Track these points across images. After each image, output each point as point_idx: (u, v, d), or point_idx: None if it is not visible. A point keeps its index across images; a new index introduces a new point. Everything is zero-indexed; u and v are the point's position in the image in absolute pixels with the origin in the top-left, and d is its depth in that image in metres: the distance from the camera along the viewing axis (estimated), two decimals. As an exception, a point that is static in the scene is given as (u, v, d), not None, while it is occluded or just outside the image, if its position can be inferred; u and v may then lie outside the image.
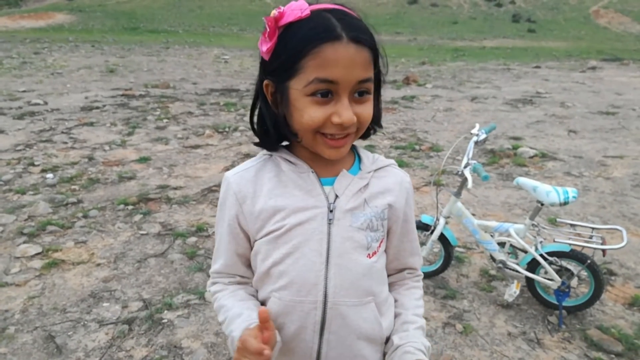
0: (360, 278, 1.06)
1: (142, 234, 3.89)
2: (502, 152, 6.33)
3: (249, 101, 9.31)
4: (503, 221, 3.27)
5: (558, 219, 3.23)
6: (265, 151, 1.12)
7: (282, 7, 0.94)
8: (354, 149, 1.15)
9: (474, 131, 3.01)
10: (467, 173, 2.74)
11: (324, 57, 0.90)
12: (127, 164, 5.51)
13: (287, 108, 0.98)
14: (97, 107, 8.24)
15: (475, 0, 55.63)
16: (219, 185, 4.88)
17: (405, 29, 40.70)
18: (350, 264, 1.05)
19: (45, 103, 8.54)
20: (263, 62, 1.01)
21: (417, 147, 6.53)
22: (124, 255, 3.56)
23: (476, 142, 2.96)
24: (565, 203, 2.74)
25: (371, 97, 0.99)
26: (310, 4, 0.95)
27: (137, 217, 4.16)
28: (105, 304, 2.98)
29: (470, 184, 2.70)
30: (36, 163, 5.42)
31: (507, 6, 53.70)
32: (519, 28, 44.67)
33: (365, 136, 1.10)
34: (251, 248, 1.11)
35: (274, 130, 1.04)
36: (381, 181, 1.11)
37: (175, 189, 4.85)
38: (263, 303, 1.13)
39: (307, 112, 0.94)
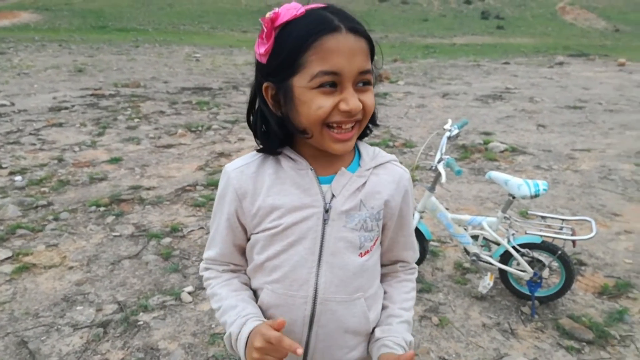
0: (350, 276, 1.09)
1: (115, 236, 3.83)
2: (474, 147, 6.43)
3: (221, 99, 9.33)
4: (476, 215, 3.32)
5: (529, 212, 3.30)
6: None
7: (277, 9, 0.96)
8: (355, 144, 1.15)
9: (447, 127, 3.05)
10: (441, 168, 2.78)
11: (326, 48, 0.92)
12: (98, 165, 5.42)
13: (291, 106, 0.99)
14: (66, 108, 8.07)
15: (445, -2, 56.18)
16: (192, 185, 4.85)
17: (377, 26, 40.90)
18: (341, 262, 1.08)
19: (12, 104, 8.33)
20: (260, 65, 1.02)
21: (390, 143, 6.58)
22: (97, 258, 3.50)
23: (449, 138, 3.00)
24: (536, 195, 2.80)
25: (372, 88, 1.01)
26: (303, 5, 0.98)
27: (110, 219, 4.09)
28: (79, 308, 2.93)
29: (444, 178, 2.73)
30: (4, 165, 5.29)
31: (476, 3, 54.42)
32: (488, 25, 45.30)
33: (362, 136, 1.12)
34: (247, 240, 1.15)
35: (280, 131, 1.04)
36: (379, 179, 1.12)
37: (148, 189, 4.79)
38: (256, 292, 1.16)
39: (316, 103, 0.95)
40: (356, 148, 1.15)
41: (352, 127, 1.00)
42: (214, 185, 4.88)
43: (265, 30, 0.96)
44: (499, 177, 2.97)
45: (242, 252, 1.18)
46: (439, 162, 2.84)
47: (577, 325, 2.83)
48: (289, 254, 1.07)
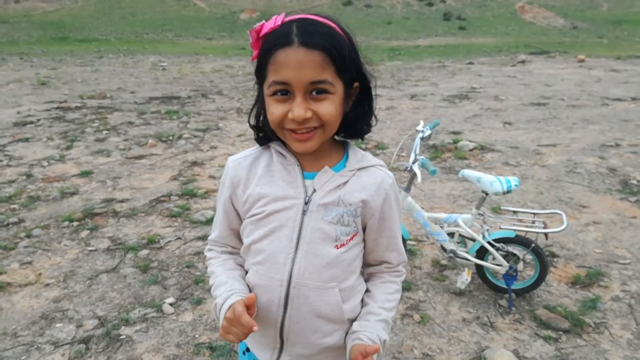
0: (324, 265, 1.17)
1: (90, 250, 3.78)
2: (444, 147, 6.55)
3: (190, 108, 9.27)
4: (450, 212, 3.39)
5: (502, 207, 3.39)
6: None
7: (264, 21, 1.08)
8: (345, 146, 1.25)
9: (419, 128, 3.11)
10: (416, 168, 2.84)
11: (277, 61, 1.04)
12: (68, 179, 5.32)
13: (264, 108, 1.16)
14: (31, 122, 7.88)
15: (408, 0, 56.97)
16: (167, 196, 4.82)
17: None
18: (316, 251, 1.17)
19: (-26, 120, 8.10)
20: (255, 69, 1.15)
21: (363, 146, 6.64)
22: (74, 274, 3.45)
23: (422, 139, 3.06)
24: (509, 191, 2.89)
25: (332, 96, 1.08)
26: (290, 15, 1.08)
27: (84, 233, 4.03)
28: (58, 325, 2.88)
29: (419, 179, 2.79)
30: (-31, 184, 5.15)
31: (438, 5, 55.27)
32: (450, 26, 46.06)
33: (357, 135, 1.22)
34: (241, 223, 1.27)
35: (257, 127, 1.23)
36: (361, 180, 1.20)
37: (122, 201, 4.73)
38: (247, 273, 1.28)
39: (270, 110, 1.10)
40: (346, 150, 1.25)
41: (310, 131, 1.09)
42: (188, 195, 4.86)
43: (252, 40, 1.09)
44: (471, 175, 3.04)
45: (238, 236, 1.30)
46: (413, 162, 2.90)
47: (553, 315, 2.92)
48: (270, 239, 1.19)
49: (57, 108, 8.95)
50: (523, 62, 17.60)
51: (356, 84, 1.15)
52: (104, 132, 7.39)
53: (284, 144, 1.21)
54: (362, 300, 1.28)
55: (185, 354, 2.66)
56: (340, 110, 1.12)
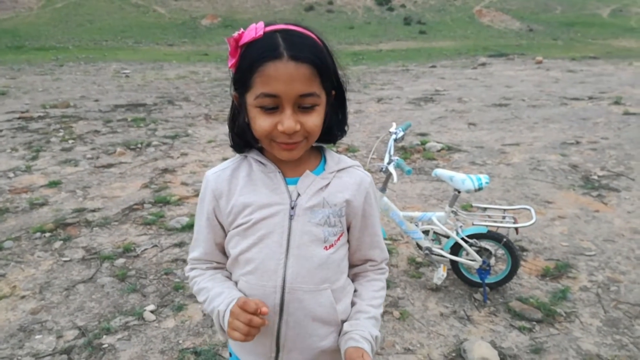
0: (316, 267, 1.20)
1: (65, 261, 3.72)
2: (413, 148, 6.69)
3: (157, 115, 9.18)
4: (423, 211, 3.49)
5: (473, 204, 3.51)
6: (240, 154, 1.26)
7: (242, 29, 1.08)
8: (321, 150, 1.28)
9: (392, 130, 3.19)
10: (392, 169, 2.91)
11: (267, 74, 1.04)
12: (36, 190, 5.22)
13: (246, 117, 1.15)
14: (-7, 133, 7.68)
15: (369, 5, 57.56)
16: (140, 204, 4.78)
17: (305, 35, 41.25)
18: (307, 254, 1.19)
19: None
20: (232, 75, 1.14)
21: (334, 149, 6.72)
22: (50, 285, 3.40)
23: (395, 140, 3.15)
24: (480, 189, 3.00)
25: (318, 108, 1.11)
26: (270, 24, 1.09)
27: (57, 244, 3.97)
28: (37, 337, 2.84)
29: (395, 179, 2.87)
30: None
31: (399, 10, 56.03)
32: (411, 30, 46.77)
33: (332, 140, 1.24)
34: (226, 236, 1.26)
35: (238, 136, 1.22)
36: (341, 181, 1.23)
37: (94, 211, 4.66)
38: (236, 285, 1.26)
39: (257, 122, 1.10)
40: (322, 154, 1.27)
41: (295, 142, 1.11)
42: (162, 202, 4.83)
43: (230, 48, 1.09)
44: (444, 174, 3.14)
45: (223, 250, 1.29)
46: (389, 163, 2.98)
47: (526, 306, 3.05)
48: (259, 247, 1.19)
49: (19, 118, 8.72)
50: (484, 64, 18.05)
51: (333, 92, 1.17)
52: (70, 141, 7.25)
53: (261, 152, 1.23)
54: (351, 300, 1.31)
55: (169, 359, 2.66)
56: (323, 120, 1.14)
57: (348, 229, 1.27)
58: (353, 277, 1.35)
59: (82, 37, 39.63)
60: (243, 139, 1.21)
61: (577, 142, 6.84)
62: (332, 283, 1.22)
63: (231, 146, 1.25)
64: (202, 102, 10.82)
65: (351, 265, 1.33)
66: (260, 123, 1.09)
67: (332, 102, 1.18)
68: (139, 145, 6.98)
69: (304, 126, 1.09)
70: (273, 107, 1.07)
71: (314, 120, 1.10)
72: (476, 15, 54.07)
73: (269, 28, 1.08)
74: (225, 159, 6.05)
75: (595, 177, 5.38)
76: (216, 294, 1.21)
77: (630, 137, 7.08)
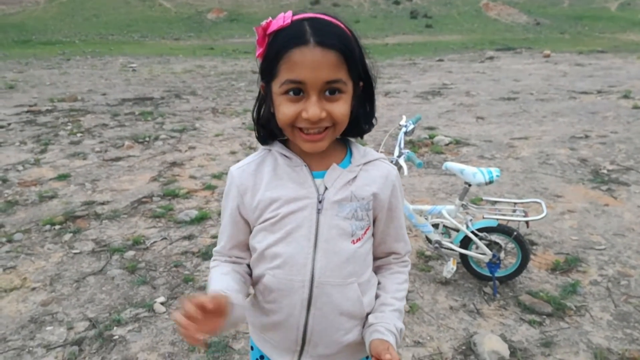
0: (344, 261, 1.18)
1: (75, 253, 3.74)
2: (421, 142, 6.67)
3: (165, 109, 9.21)
4: (432, 204, 3.48)
5: (484, 197, 3.49)
6: (265, 146, 1.24)
7: (270, 18, 1.07)
8: (347, 143, 1.25)
9: (402, 123, 3.18)
10: (402, 162, 2.90)
11: (293, 60, 1.02)
12: (45, 183, 5.24)
13: (272, 107, 1.13)
14: (2, 127, 7.71)
15: (375, -1, 57.33)
16: (149, 197, 4.79)
17: (311, 29, 41.18)
18: (335, 248, 1.17)
19: (-60, 126, 7.88)
20: (260, 65, 1.12)
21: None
22: (60, 277, 3.42)
23: (405, 133, 3.14)
24: (490, 182, 2.98)
25: (345, 96, 1.09)
26: (298, 13, 1.07)
27: (67, 237, 3.99)
28: (48, 328, 2.86)
29: (405, 172, 2.85)
30: (-58, 190, 5.02)
31: (405, 4, 55.82)
32: (417, 24, 46.61)
33: (359, 133, 1.23)
34: (250, 232, 1.25)
35: (263, 127, 1.19)
36: (369, 174, 1.22)
37: (103, 204, 4.68)
38: (258, 280, 1.25)
39: (282, 109, 1.08)
40: (348, 147, 1.25)
41: (322, 131, 1.09)
42: (170, 195, 4.84)
43: (258, 37, 1.08)
44: (454, 167, 3.13)
45: (245, 245, 1.28)
46: (399, 156, 2.97)
47: (536, 300, 3.04)
48: (287, 242, 1.17)
49: (27, 112, 8.77)
50: (491, 58, 17.97)
51: (361, 83, 1.15)
52: (78, 134, 7.28)
53: (286, 145, 1.21)
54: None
55: (180, 351, 2.67)
56: (350, 110, 1.12)
57: (374, 222, 1.26)
58: (376, 270, 1.34)
59: (88, 31, 39.75)
60: (268, 130, 1.19)
61: (586, 136, 6.80)
62: (358, 277, 1.21)
63: (257, 137, 1.23)
64: (209, 95, 10.83)
65: (375, 258, 1.32)
66: (284, 110, 1.07)
67: (359, 93, 1.15)
68: (147, 139, 7.00)
69: (331, 114, 1.07)
70: (297, 95, 1.05)
71: (340, 108, 1.08)
72: (483, 9, 53.78)
73: (297, 17, 1.06)
74: (232, 153, 6.05)
75: (605, 171, 5.35)
76: (209, 285, 1.22)
77: (639, 130, 7.02)
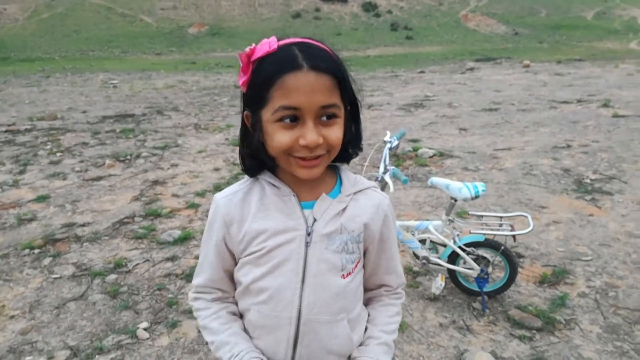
0: (333, 297, 1.14)
1: (55, 278, 3.64)
2: (405, 155, 6.67)
3: (146, 125, 9.10)
4: (417, 219, 3.46)
5: (470, 212, 3.48)
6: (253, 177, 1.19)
7: (254, 44, 1.03)
8: (337, 170, 1.21)
9: (387, 139, 3.16)
10: (388, 178, 2.87)
11: (287, 86, 0.98)
12: (24, 205, 5.12)
13: (261, 135, 1.07)
14: (-22, 147, 7.56)
15: (356, 12, 57.84)
16: (130, 217, 4.70)
17: (293, 42, 41.34)
18: (324, 283, 1.13)
19: None
20: (242, 94, 1.08)
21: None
22: (40, 303, 3.32)
23: (390, 149, 3.11)
24: (476, 197, 2.96)
25: (339, 120, 1.05)
26: (282, 39, 1.03)
27: (47, 261, 3.88)
28: (28, 358, 2.76)
29: (391, 188, 2.82)
30: None
31: (385, 16, 56.37)
32: (398, 36, 47.08)
33: (347, 159, 1.18)
34: (236, 264, 1.20)
35: (251, 157, 1.13)
36: (359, 204, 1.17)
37: (83, 225, 4.58)
38: (243, 314, 1.21)
39: (277, 137, 1.02)
40: (338, 175, 1.21)
41: (317, 157, 1.05)
42: (153, 215, 4.76)
43: (241, 64, 1.04)
44: (440, 182, 3.11)
45: (231, 277, 1.22)
46: (384, 173, 2.94)
47: (525, 314, 3.01)
48: (274, 276, 1.12)
49: (5, 131, 8.62)
50: (472, 69, 18.16)
51: (348, 107, 1.12)
52: (58, 154, 7.16)
53: (272, 173, 1.17)
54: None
55: (165, 379, 2.60)
56: (343, 134, 1.09)
57: (364, 254, 1.21)
58: (367, 302, 1.29)
59: (68, 47, 39.46)
60: (258, 161, 1.13)
61: (568, 146, 6.86)
62: (348, 313, 1.17)
63: (243, 170, 1.18)
64: (191, 111, 10.75)
65: (366, 290, 1.28)
66: (280, 138, 1.02)
67: (349, 117, 1.13)
68: (128, 157, 6.90)
69: (327, 139, 1.03)
70: (293, 121, 1.01)
71: (336, 133, 1.04)
72: (462, 20, 54.52)
73: (283, 42, 1.03)
74: (216, 169, 5.98)
75: (588, 181, 5.39)
76: (222, 342, 1.16)
77: (620, 139, 7.11)
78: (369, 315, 1.26)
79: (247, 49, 1.03)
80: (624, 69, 16.53)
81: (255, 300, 1.15)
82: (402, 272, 1.30)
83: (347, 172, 1.22)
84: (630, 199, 4.85)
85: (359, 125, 1.18)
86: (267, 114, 1.02)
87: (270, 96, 1.00)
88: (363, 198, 1.19)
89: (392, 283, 1.28)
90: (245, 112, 1.09)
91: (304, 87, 0.98)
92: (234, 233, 1.15)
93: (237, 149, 1.21)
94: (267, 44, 1.02)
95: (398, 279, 1.28)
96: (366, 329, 1.24)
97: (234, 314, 1.23)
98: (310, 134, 1.00)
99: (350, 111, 1.12)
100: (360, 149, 1.19)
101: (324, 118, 1.02)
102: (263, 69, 1.01)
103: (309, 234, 1.12)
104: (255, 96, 1.03)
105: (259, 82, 1.01)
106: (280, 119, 1.01)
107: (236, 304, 1.24)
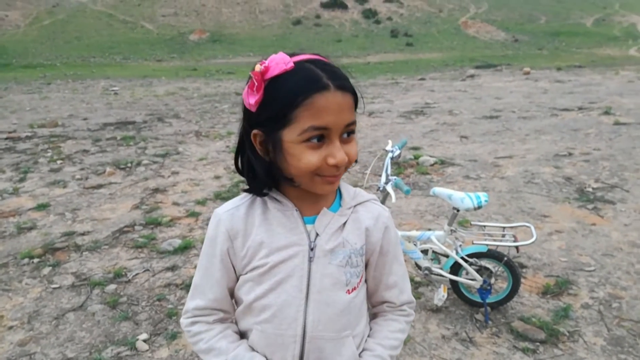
0: (338, 313, 1.12)
1: (54, 288, 3.61)
2: (406, 163, 6.65)
3: (147, 133, 9.10)
4: (419, 228, 3.44)
5: (472, 222, 3.45)
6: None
7: (265, 62, 0.99)
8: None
9: (388, 148, 3.14)
10: (389, 189, 2.85)
11: (317, 106, 0.97)
12: (24, 213, 5.10)
13: (280, 156, 1.04)
14: (-21, 154, 7.55)
15: (356, 19, 58.04)
16: (130, 226, 4.68)
17: (292, 49, 41.54)
18: (329, 299, 1.11)
19: None
20: (248, 113, 1.05)
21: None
22: (38, 314, 3.29)
23: (392, 158, 3.10)
24: (479, 207, 2.94)
25: (355, 135, 1.07)
26: (290, 55, 1.01)
27: (46, 270, 3.86)
28: (26, 370, 2.74)
29: (393, 199, 2.80)
30: None
31: (385, 22, 56.57)
32: (398, 42, 47.23)
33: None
34: (237, 281, 1.16)
35: (266, 177, 1.09)
36: (359, 215, 1.17)
37: (83, 234, 4.56)
38: (244, 334, 1.17)
39: (305, 157, 1.00)
40: (338, 189, 1.20)
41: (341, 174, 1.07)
42: (153, 223, 4.73)
43: (256, 83, 0.99)
44: (442, 192, 3.09)
45: (232, 295, 1.19)
46: (386, 183, 2.92)
47: (528, 326, 2.98)
48: (277, 293, 1.10)
49: (6, 139, 8.61)
50: (472, 76, 18.19)
51: None
52: (58, 161, 7.15)
53: (276, 187, 1.14)
54: None
55: (164, 392, 2.57)
56: None
57: (365, 266, 1.20)
58: (372, 317, 1.28)
59: (69, 54, 39.59)
60: (269, 179, 1.10)
61: (570, 154, 6.84)
62: (353, 329, 1.15)
63: (247, 191, 1.15)
64: (192, 118, 10.75)
65: (371, 305, 1.27)
66: (309, 158, 1.00)
67: None
68: (129, 165, 6.88)
69: (349, 155, 1.04)
70: (320, 141, 1.00)
71: (355, 149, 1.06)
72: (462, 27, 54.69)
73: (295, 58, 1.01)
74: (217, 177, 5.97)
75: (590, 190, 5.36)
76: (237, 356, 1.11)
77: (622, 147, 7.09)
78: (370, 329, 1.24)
79: (259, 67, 0.99)
80: (625, 76, 16.54)
81: (258, 319, 1.12)
82: (408, 289, 1.26)
83: (346, 185, 1.21)
84: (633, 207, 4.83)
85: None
86: (292, 135, 1.00)
87: (297, 116, 0.98)
88: (362, 210, 1.18)
89: (394, 299, 1.24)
90: (254, 132, 1.05)
91: (334, 107, 0.98)
92: (238, 247, 1.12)
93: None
94: (282, 62, 0.99)
95: (401, 296, 1.24)
96: (365, 342, 1.21)
97: (237, 333, 1.19)
98: (339, 154, 1.01)
99: None
100: (356, 161, 1.18)
101: (345, 135, 1.03)
102: (283, 88, 0.98)
103: (312, 249, 1.11)
104: (274, 117, 1.00)
105: (280, 101, 0.98)
106: (308, 139, 0.99)
107: (236, 323, 1.21)
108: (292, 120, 0.99)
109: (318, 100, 0.97)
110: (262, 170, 1.08)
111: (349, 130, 1.03)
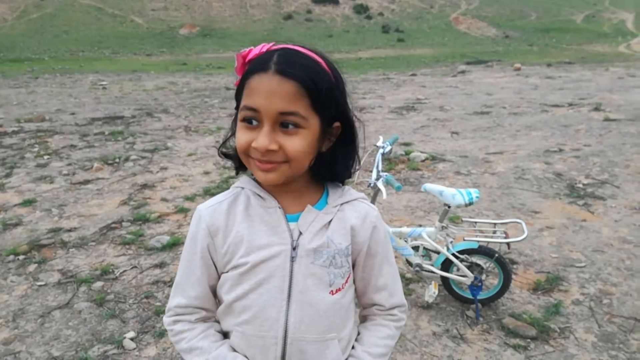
0: (321, 314, 1.08)
1: (40, 285, 3.55)
2: (397, 159, 6.62)
3: (136, 128, 9.01)
4: (410, 224, 3.41)
5: (463, 219, 3.44)
6: (237, 184, 1.15)
7: (252, 47, 1.03)
8: (324, 182, 1.16)
9: (379, 144, 3.12)
10: (380, 185, 2.82)
11: (251, 86, 0.98)
12: (9, 209, 5.02)
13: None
14: (-36, 149, 7.44)
15: (347, 14, 57.95)
16: (118, 222, 4.61)
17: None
18: (311, 300, 1.07)
19: None
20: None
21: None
22: (23, 312, 3.23)
23: (383, 154, 3.07)
24: (470, 204, 2.92)
25: (304, 131, 0.99)
26: (278, 44, 1.03)
27: (32, 267, 3.79)
28: (9, 370, 2.68)
29: (384, 195, 2.77)
30: None
31: (377, 18, 56.54)
32: (389, 38, 47.22)
33: (337, 178, 1.15)
34: (219, 278, 1.14)
35: (237, 154, 1.09)
36: (345, 214, 1.12)
37: (70, 230, 4.49)
38: (226, 335, 1.14)
39: (239, 136, 1.03)
40: (325, 186, 1.16)
41: (271, 162, 1.00)
42: (141, 220, 4.67)
43: (237, 64, 1.04)
44: (433, 188, 3.07)
45: (214, 293, 1.16)
46: (377, 179, 2.89)
47: (519, 323, 2.97)
48: (258, 293, 1.06)
49: (-8, 133, 8.49)
50: (463, 72, 18.21)
51: (337, 124, 1.07)
52: (45, 157, 7.05)
53: (258, 183, 1.12)
54: None
55: (151, 391, 2.52)
56: (312, 148, 1.03)
57: (353, 267, 1.15)
58: (361, 320, 1.24)
59: (58, 48, 39.21)
60: (236, 157, 1.11)
61: (560, 150, 6.85)
62: (339, 331, 1.11)
63: (236, 168, 1.14)
64: (181, 113, 10.66)
65: (361, 308, 1.23)
66: (240, 137, 1.02)
67: (336, 135, 1.08)
68: (117, 160, 6.80)
69: (283, 148, 0.98)
70: (254, 123, 0.99)
71: (295, 144, 0.98)
72: (453, 23, 54.80)
73: (276, 46, 1.02)
74: (206, 173, 5.91)
75: (581, 186, 5.37)
76: (219, 356, 1.08)
77: (612, 143, 7.12)
78: (358, 333, 1.20)
79: (244, 50, 1.03)
80: (614, 72, 16.64)
81: (238, 320, 1.09)
82: (399, 292, 1.21)
83: (335, 184, 1.16)
84: (623, 204, 4.84)
85: (353, 146, 1.12)
86: (239, 114, 1.03)
87: (242, 96, 1.01)
88: (349, 209, 1.13)
89: (383, 302, 1.19)
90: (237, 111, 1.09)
91: (264, 89, 0.96)
92: (219, 244, 1.09)
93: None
94: (260, 48, 1.02)
95: (391, 299, 1.19)
96: (353, 348, 1.17)
97: (220, 333, 1.16)
98: (261, 138, 0.98)
99: (342, 130, 1.09)
100: (351, 170, 1.14)
101: (288, 127, 0.98)
102: (245, 70, 1.02)
103: (294, 249, 1.07)
104: (236, 95, 1.05)
105: (240, 82, 1.03)
106: (243, 119, 1.01)
107: (219, 322, 1.17)
108: (240, 99, 1.02)
109: (253, 81, 0.98)
110: (235, 148, 1.08)
111: (286, 121, 0.97)
